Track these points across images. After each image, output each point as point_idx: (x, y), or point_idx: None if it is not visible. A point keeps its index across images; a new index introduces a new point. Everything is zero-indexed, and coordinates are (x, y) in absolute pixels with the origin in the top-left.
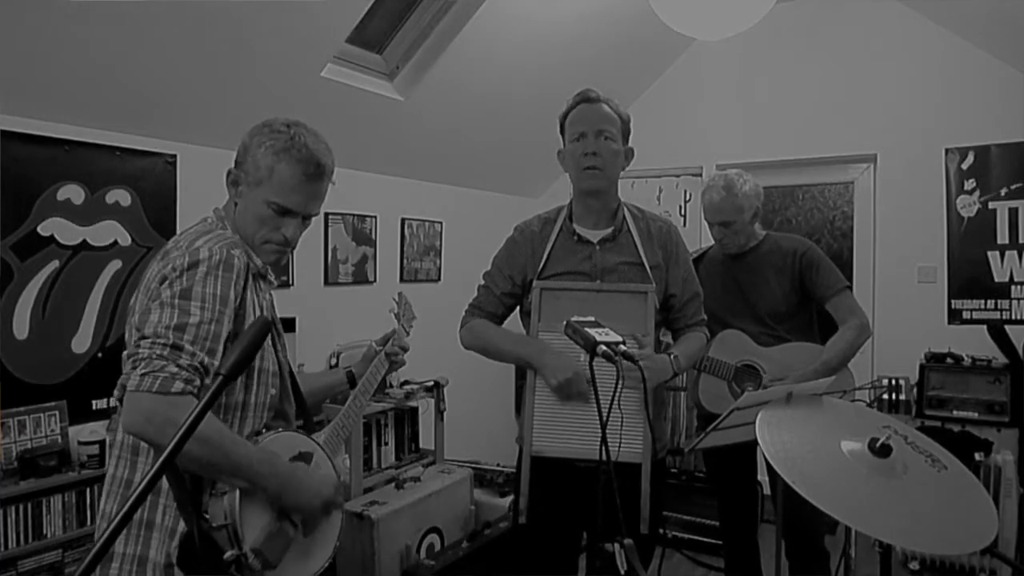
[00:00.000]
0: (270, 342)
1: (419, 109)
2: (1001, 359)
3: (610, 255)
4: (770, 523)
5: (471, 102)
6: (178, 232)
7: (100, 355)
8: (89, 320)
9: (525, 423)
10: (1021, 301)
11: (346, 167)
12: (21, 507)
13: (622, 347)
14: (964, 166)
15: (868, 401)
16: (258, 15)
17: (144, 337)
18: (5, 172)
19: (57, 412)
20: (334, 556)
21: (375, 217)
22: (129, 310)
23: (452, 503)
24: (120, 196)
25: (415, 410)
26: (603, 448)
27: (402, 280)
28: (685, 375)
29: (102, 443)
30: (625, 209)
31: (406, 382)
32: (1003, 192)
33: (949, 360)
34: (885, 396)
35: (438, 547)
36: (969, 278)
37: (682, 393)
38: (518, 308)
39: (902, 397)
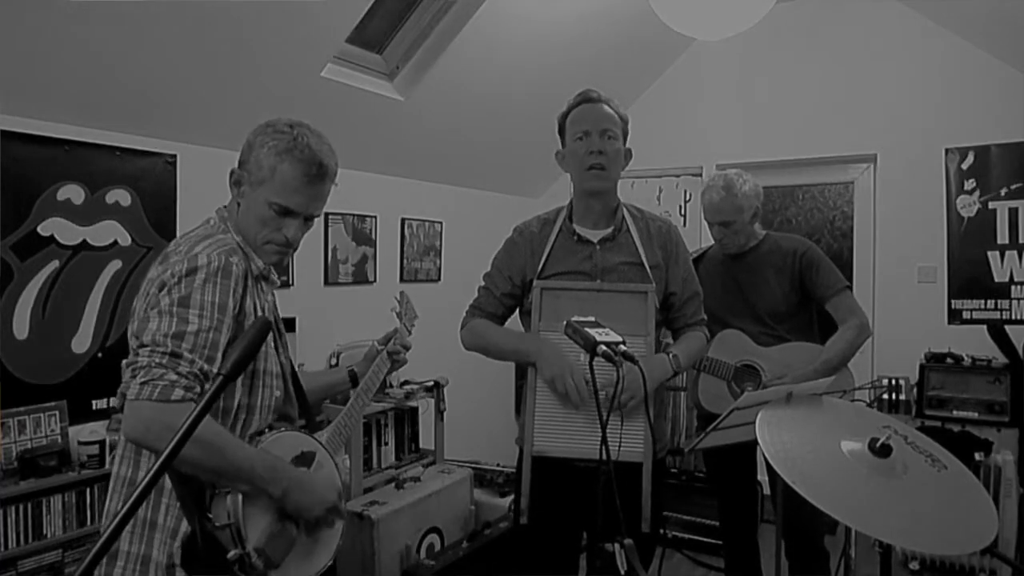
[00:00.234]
0: (272, 344)
1: (419, 109)
2: (1001, 359)
3: (610, 255)
4: (770, 523)
5: (471, 102)
6: (178, 232)
7: (100, 355)
8: (89, 320)
9: (526, 423)
10: (1021, 301)
11: (346, 167)
12: (21, 507)
13: (622, 347)
14: (964, 166)
15: (868, 401)
16: (258, 15)
17: (143, 345)
18: (5, 172)
19: (57, 412)
20: (335, 556)
21: (375, 217)
22: (131, 313)
23: (452, 503)
24: (120, 196)
25: (415, 410)
26: (603, 448)
27: (402, 280)
28: (685, 375)
29: (102, 443)
30: (624, 209)
31: (406, 382)
32: (1003, 192)
33: (949, 360)
34: (885, 396)
35: (438, 547)
36: (969, 278)
37: (682, 393)
38: (518, 309)
39: (902, 397)
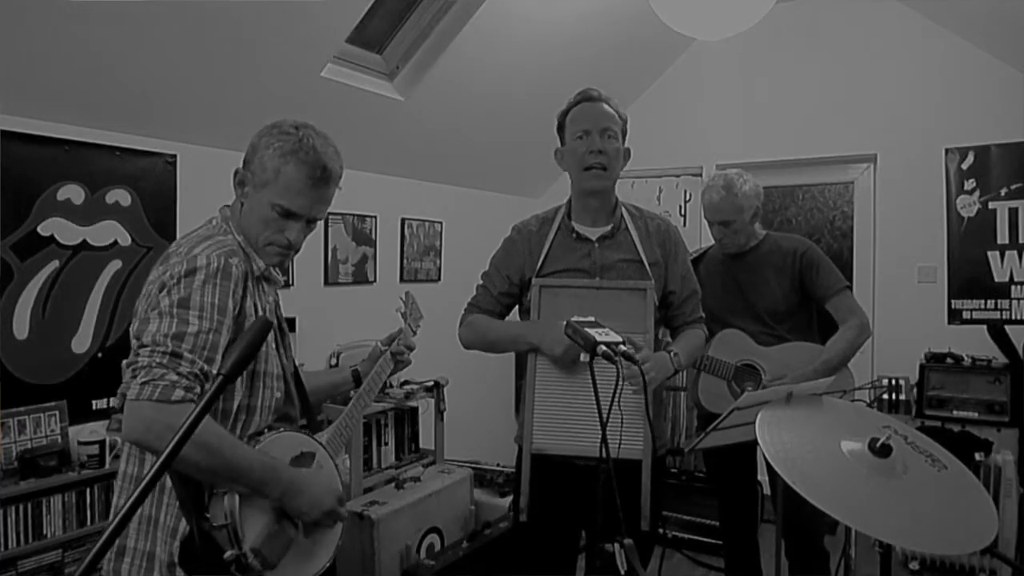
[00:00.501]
0: (273, 345)
1: (419, 109)
2: (1001, 359)
3: (609, 252)
4: (770, 523)
5: (471, 102)
6: (178, 233)
7: (100, 355)
8: (89, 320)
9: (525, 421)
10: (1021, 301)
11: (346, 167)
12: (21, 507)
13: (622, 347)
14: (964, 166)
15: (868, 401)
16: (258, 15)
17: (143, 345)
18: (5, 172)
19: (57, 412)
20: (335, 557)
21: (375, 217)
22: (133, 314)
23: (452, 503)
24: (120, 196)
25: (415, 410)
26: (603, 447)
27: (402, 280)
28: (685, 375)
29: (102, 443)
30: (623, 207)
31: (406, 382)
32: (1003, 192)
33: (949, 360)
34: (885, 396)
35: (438, 547)
36: (969, 278)
37: (682, 393)
38: (517, 307)
39: (902, 397)
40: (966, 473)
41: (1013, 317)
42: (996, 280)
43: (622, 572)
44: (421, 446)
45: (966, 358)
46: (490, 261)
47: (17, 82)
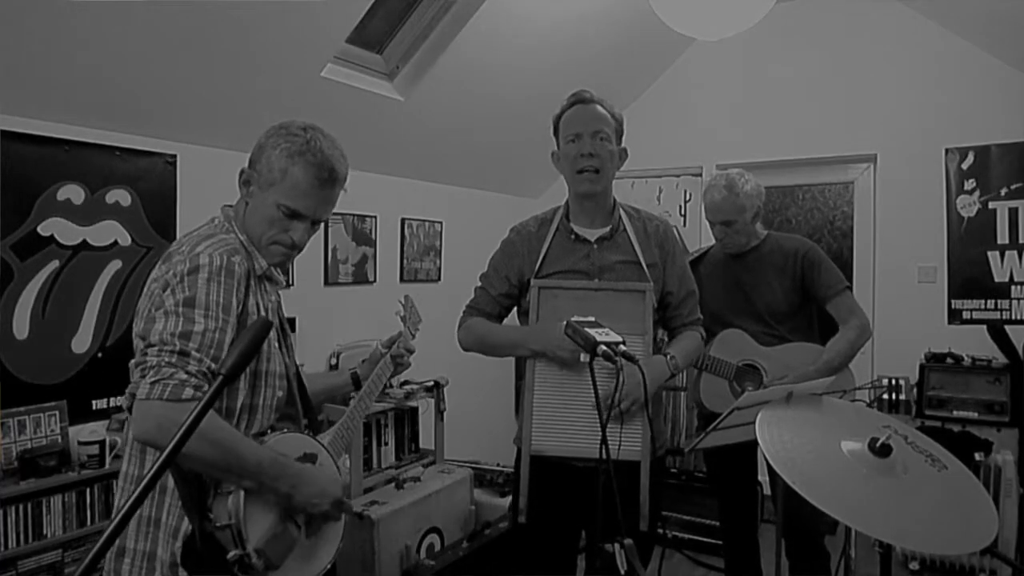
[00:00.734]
0: (276, 344)
1: (419, 109)
2: (1001, 359)
3: (608, 253)
4: (770, 523)
5: (471, 102)
6: (178, 233)
7: (100, 355)
8: (89, 320)
9: (524, 422)
10: (1021, 301)
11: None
12: (21, 507)
13: (622, 347)
14: (964, 166)
15: (868, 401)
16: (258, 15)
17: (151, 345)
18: (5, 172)
19: (57, 412)
20: (336, 558)
21: (375, 217)
22: (136, 314)
23: (452, 503)
24: (120, 196)
25: (415, 410)
26: (603, 448)
27: (402, 280)
28: (685, 374)
29: (102, 443)
30: (621, 208)
31: (406, 382)
32: (1003, 192)
33: (949, 360)
34: (885, 396)
35: (438, 547)
36: (969, 278)
37: (682, 393)
38: (516, 308)
39: (902, 397)
40: (966, 473)
41: (1013, 317)
42: (996, 280)
43: (622, 572)
44: (421, 446)
45: (966, 358)
46: (489, 262)
47: (17, 82)
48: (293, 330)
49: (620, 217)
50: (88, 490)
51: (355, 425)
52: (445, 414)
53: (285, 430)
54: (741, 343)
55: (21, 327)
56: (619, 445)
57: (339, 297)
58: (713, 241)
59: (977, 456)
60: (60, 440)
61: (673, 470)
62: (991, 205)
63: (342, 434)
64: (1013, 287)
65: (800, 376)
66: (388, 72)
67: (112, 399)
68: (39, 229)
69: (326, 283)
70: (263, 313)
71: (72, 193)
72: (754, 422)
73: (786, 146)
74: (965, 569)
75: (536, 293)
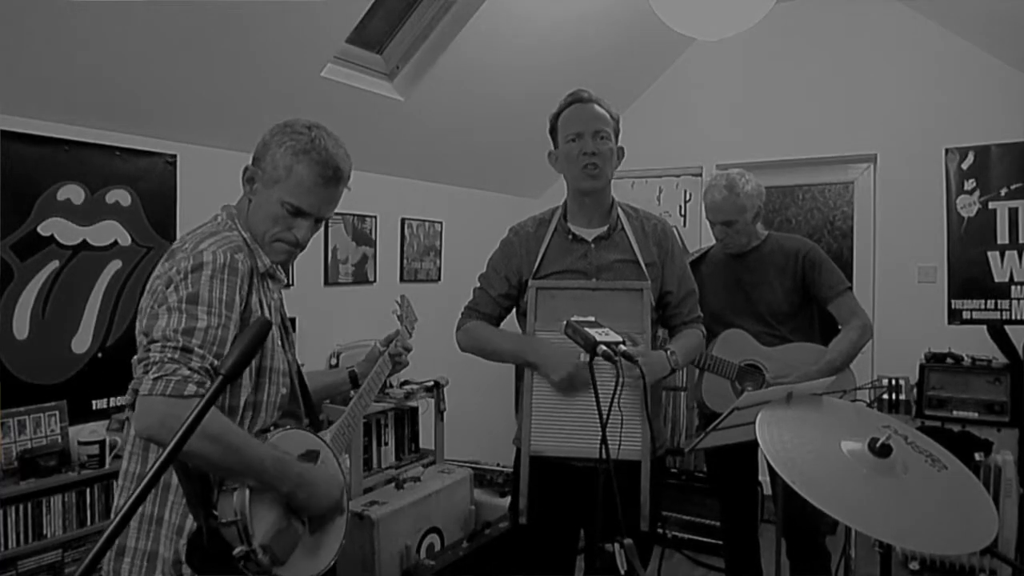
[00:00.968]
0: (279, 341)
1: (419, 109)
2: (1001, 359)
3: (605, 252)
4: (771, 523)
5: (471, 102)
6: (178, 232)
7: (100, 355)
8: (89, 320)
9: (524, 423)
10: (1021, 301)
11: None
12: (21, 507)
13: (622, 347)
14: (964, 166)
15: (868, 401)
16: (258, 15)
17: (154, 341)
18: (5, 172)
19: (57, 412)
20: (339, 555)
21: (375, 217)
22: (139, 311)
23: (452, 503)
24: (120, 196)
25: (415, 410)
26: (603, 448)
27: (402, 280)
28: (685, 374)
29: (102, 443)
30: (619, 207)
31: (406, 382)
32: (1003, 192)
33: (949, 360)
34: (885, 396)
35: (438, 547)
36: (969, 278)
37: (682, 393)
38: (515, 309)
39: (902, 397)
40: (966, 473)
41: (1013, 317)
42: (996, 280)
43: (622, 572)
44: (421, 446)
45: (966, 358)
46: (487, 263)
47: (17, 82)
48: (294, 329)
49: (618, 216)
50: (88, 490)
51: (355, 423)
52: (445, 414)
53: (288, 427)
54: (743, 343)
55: (21, 327)
56: (619, 445)
57: (339, 297)
58: (713, 241)
59: (977, 456)
60: (60, 440)
61: (673, 470)
62: (991, 205)
63: (343, 432)
64: (1013, 287)
65: (802, 376)
66: (388, 72)
67: (112, 399)
68: (39, 229)
69: (326, 283)
70: (266, 311)
71: (72, 193)
72: (754, 422)
73: (786, 146)
74: (965, 569)
75: (534, 294)
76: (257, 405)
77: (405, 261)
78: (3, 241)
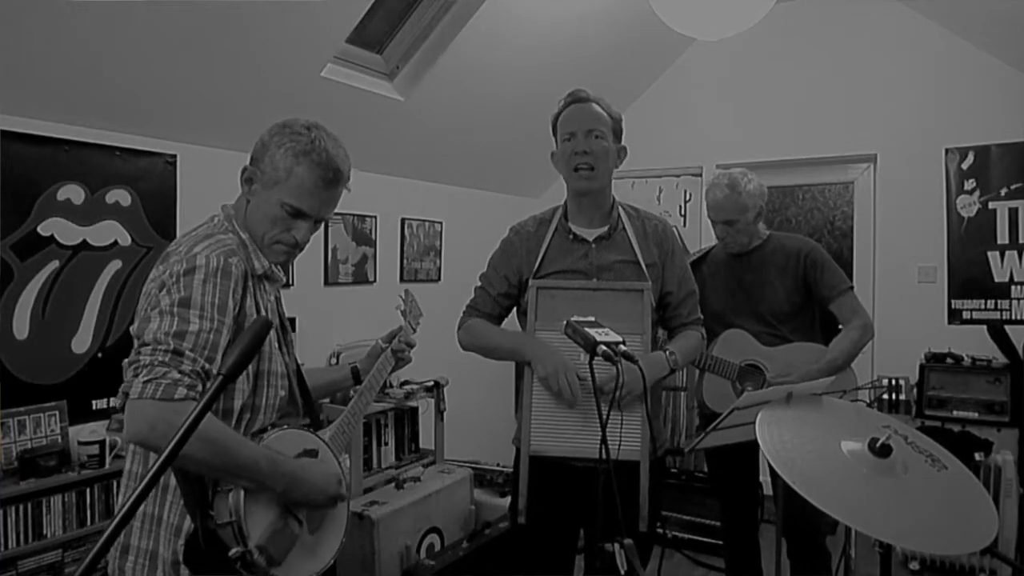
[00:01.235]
0: (276, 343)
1: (419, 109)
2: (1001, 359)
3: (606, 253)
4: (771, 523)
5: (471, 102)
6: (178, 233)
7: (100, 355)
8: (89, 320)
9: (523, 423)
10: (1021, 301)
11: None
12: (21, 507)
13: (622, 347)
14: (964, 166)
15: (868, 401)
16: (258, 15)
17: (145, 344)
18: (5, 172)
19: (57, 412)
20: (338, 555)
21: (375, 217)
22: (135, 313)
23: (452, 503)
24: (120, 196)
25: (415, 410)
26: (603, 448)
27: (402, 280)
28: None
29: (102, 443)
30: (620, 208)
31: (406, 382)
32: (1003, 192)
33: (949, 360)
34: (885, 396)
35: (438, 547)
36: (969, 278)
37: (682, 393)
38: (515, 309)
39: (902, 397)
40: (966, 473)
41: (1013, 317)
42: (996, 280)
43: (622, 572)
44: (421, 446)
45: (966, 358)
46: (488, 262)
47: (17, 82)
48: (293, 330)
49: (619, 216)
50: (88, 490)
51: (356, 421)
52: (445, 414)
53: (285, 427)
54: (743, 343)
55: (21, 327)
56: (619, 445)
57: (339, 297)
58: (714, 241)
59: (977, 456)
60: (60, 440)
61: (673, 470)
62: (991, 205)
63: (343, 430)
64: (1013, 287)
65: (804, 375)
66: (388, 72)
67: (112, 399)
68: (39, 229)
69: (326, 283)
70: (262, 313)
71: (72, 193)
72: (754, 422)
73: (786, 146)
74: (965, 569)
75: (534, 293)
76: (255, 408)
77: (405, 261)
78: (3, 241)
